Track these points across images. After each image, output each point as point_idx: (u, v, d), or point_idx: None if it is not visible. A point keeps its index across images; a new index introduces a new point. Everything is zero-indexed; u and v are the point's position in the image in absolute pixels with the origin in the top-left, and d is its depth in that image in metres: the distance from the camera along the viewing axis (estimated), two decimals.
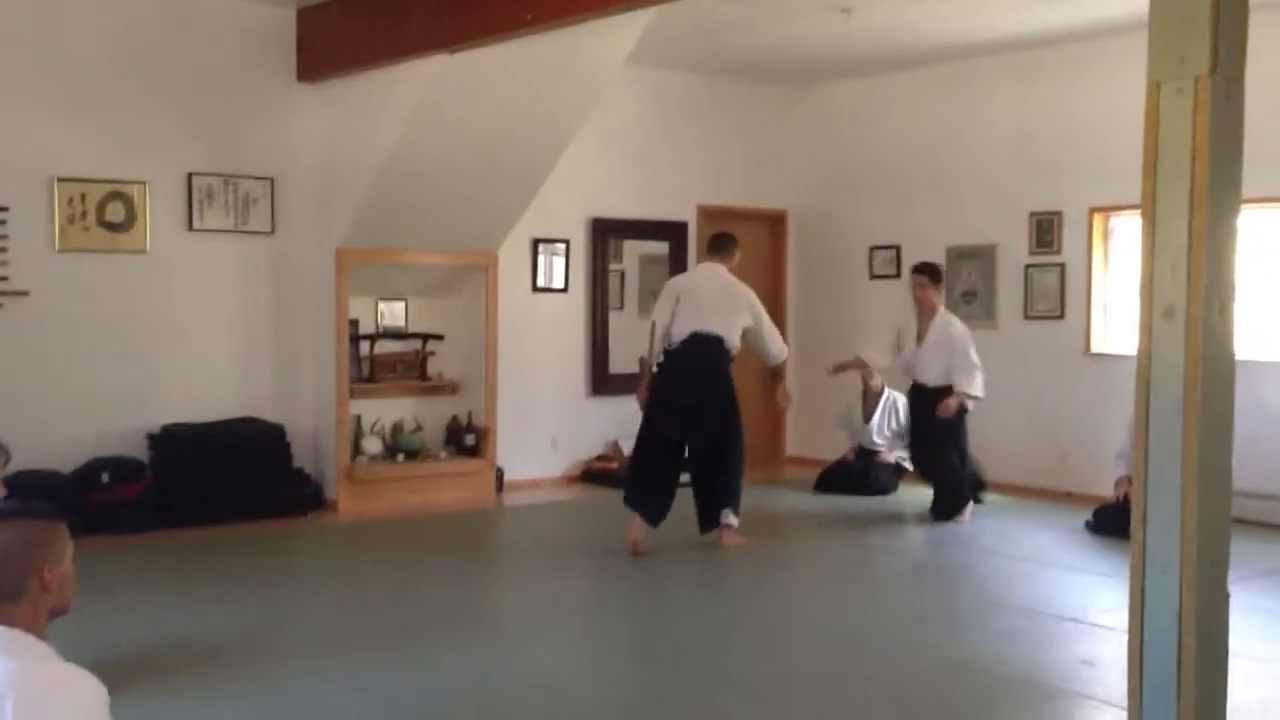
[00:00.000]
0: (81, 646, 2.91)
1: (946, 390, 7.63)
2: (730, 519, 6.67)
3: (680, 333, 6.58)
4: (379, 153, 7.34)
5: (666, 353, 6.64)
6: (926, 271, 7.89)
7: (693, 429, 6.56)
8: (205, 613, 5.39)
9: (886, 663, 4.78)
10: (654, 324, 6.75)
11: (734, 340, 6.69)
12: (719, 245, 7.02)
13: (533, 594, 6.14)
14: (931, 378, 7.74)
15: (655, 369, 6.70)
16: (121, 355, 7.30)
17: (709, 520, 6.68)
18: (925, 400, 7.78)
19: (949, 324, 7.75)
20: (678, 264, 9.57)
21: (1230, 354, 3.85)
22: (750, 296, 6.83)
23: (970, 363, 7.62)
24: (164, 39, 7.36)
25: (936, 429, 7.71)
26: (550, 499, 8.23)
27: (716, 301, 6.66)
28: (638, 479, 6.63)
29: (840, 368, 8.31)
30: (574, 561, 6.47)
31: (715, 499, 6.65)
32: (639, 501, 6.57)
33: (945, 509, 7.66)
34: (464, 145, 7.36)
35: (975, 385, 7.61)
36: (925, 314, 7.83)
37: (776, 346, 6.95)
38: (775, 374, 7.24)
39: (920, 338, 7.81)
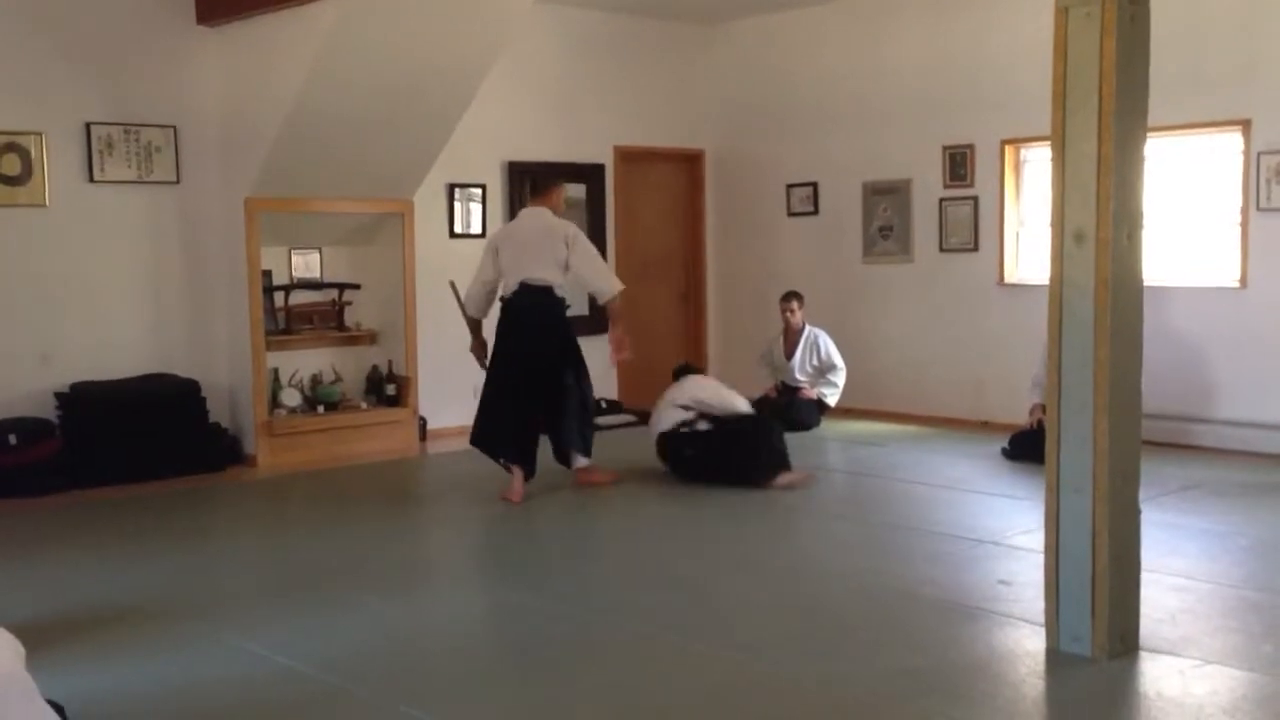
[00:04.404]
0: None
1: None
2: (580, 461, 6.71)
3: (510, 284, 6.50)
4: (285, 98, 7.14)
5: (502, 304, 6.60)
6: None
7: (535, 376, 6.50)
8: (123, 572, 5.28)
9: (811, 589, 4.85)
10: (472, 280, 6.68)
11: (561, 282, 6.51)
12: (537, 187, 6.83)
13: (457, 540, 6.13)
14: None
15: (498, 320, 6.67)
16: (24, 313, 7.08)
17: (563, 460, 6.74)
18: None
19: None
20: (596, 206, 9.52)
21: (1139, 277, 3.94)
22: (570, 232, 6.47)
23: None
24: None
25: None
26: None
27: (535, 247, 6.45)
28: (490, 426, 6.59)
29: None
30: (499, 508, 6.46)
31: (563, 444, 6.66)
32: (495, 446, 6.58)
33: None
34: (373, 88, 7.19)
35: None
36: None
37: (603, 283, 6.50)
38: (608, 317, 6.66)
39: None
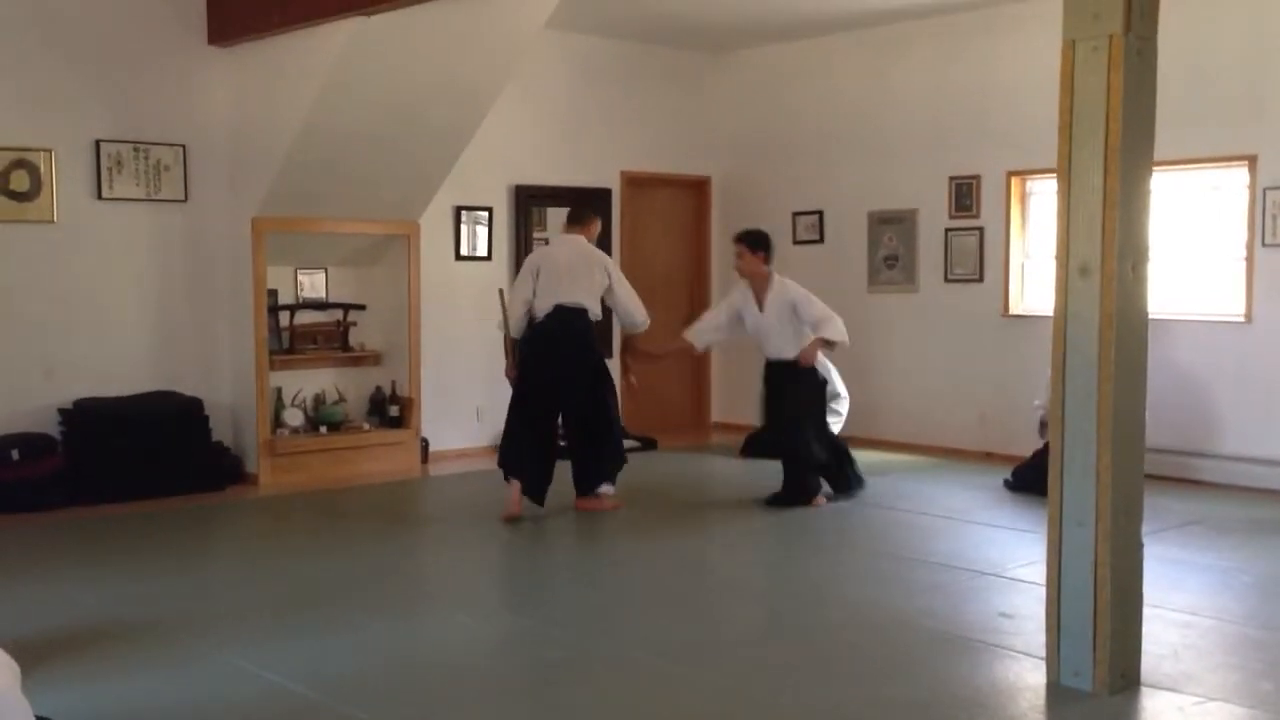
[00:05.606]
0: None
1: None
2: (605, 489, 6.77)
3: (544, 306, 6.56)
4: (294, 119, 7.18)
5: (534, 326, 6.64)
6: (744, 240, 7.11)
7: (564, 401, 6.61)
8: (122, 589, 5.26)
9: (810, 620, 4.83)
10: (512, 299, 6.74)
11: (596, 309, 6.69)
12: (576, 216, 6.99)
13: (456, 562, 6.10)
14: (777, 350, 7.01)
15: (522, 342, 6.72)
16: (30, 329, 7.09)
17: (585, 490, 6.78)
18: (777, 375, 7.08)
19: (785, 288, 6.98)
20: (602, 230, 9.49)
21: (1143, 311, 3.93)
22: (609, 263, 6.81)
23: (823, 311, 6.88)
24: (68, 1, 7.12)
25: (789, 404, 7.01)
26: (476, 469, 8.17)
27: (575, 272, 6.60)
28: (513, 449, 6.61)
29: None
30: (499, 530, 6.45)
31: (590, 471, 6.73)
32: (517, 469, 6.58)
33: (789, 496, 6.97)
34: (381, 110, 7.23)
35: (835, 330, 6.84)
36: (758, 285, 7.04)
37: (640, 315, 6.79)
38: (628, 347, 7.05)
39: (761, 308, 7.04)
